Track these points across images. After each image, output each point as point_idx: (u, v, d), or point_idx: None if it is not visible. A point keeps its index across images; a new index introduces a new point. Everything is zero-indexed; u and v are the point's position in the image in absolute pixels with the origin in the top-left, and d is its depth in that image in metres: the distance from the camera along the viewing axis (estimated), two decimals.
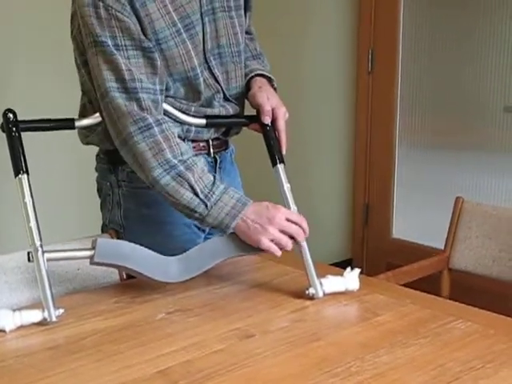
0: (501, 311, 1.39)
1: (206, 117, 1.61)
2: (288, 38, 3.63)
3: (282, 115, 1.61)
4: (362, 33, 3.36)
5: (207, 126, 1.62)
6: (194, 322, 1.36)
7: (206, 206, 1.46)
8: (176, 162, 1.45)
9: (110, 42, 1.44)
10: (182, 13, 1.51)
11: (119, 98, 1.45)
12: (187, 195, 1.45)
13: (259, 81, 1.68)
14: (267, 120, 1.60)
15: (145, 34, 1.47)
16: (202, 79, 1.57)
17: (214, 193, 1.46)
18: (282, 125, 1.61)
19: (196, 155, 1.61)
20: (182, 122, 1.58)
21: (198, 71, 1.56)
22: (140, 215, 1.64)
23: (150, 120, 1.45)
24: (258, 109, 1.61)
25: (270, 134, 1.60)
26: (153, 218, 1.64)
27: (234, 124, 1.71)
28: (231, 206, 1.46)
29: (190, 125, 1.60)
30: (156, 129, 1.45)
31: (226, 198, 1.46)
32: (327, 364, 1.17)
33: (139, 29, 1.46)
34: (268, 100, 1.60)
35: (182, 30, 1.51)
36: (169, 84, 1.54)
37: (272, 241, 1.45)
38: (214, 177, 1.50)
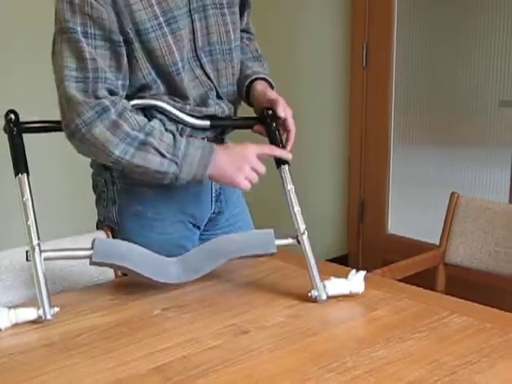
0: (496, 305, 1.39)
1: (210, 118, 1.61)
2: (281, 33, 3.62)
3: (291, 115, 1.61)
4: (356, 27, 3.36)
5: (211, 127, 1.62)
6: (190, 318, 1.36)
7: (176, 163, 1.47)
8: (136, 133, 1.46)
9: (79, 29, 1.42)
10: (165, 7, 1.51)
11: (73, 88, 1.43)
12: (155, 160, 1.46)
13: (263, 84, 1.68)
14: (283, 113, 1.59)
15: (124, 25, 1.46)
16: (184, 75, 1.56)
17: (179, 148, 1.47)
18: (292, 124, 1.61)
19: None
20: (185, 124, 1.58)
21: (180, 66, 1.54)
22: (134, 212, 1.64)
23: (107, 103, 1.44)
24: (269, 108, 1.60)
25: (275, 135, 1.59)
26: (147, 215, 1.63)
27: (238, 127, 1.71)
28: (200, 156, 1.48)
29: (194, 127, 1.60)
30: (112, 110, 1.45)
31: (191, 150, 1.48)
32: (323, 359, 1.17)
33: (113, 19, 1.44)
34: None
35: (164, 24, 1.51)
36: (152, 75, 1.53)
37: (245, 178, 1.50)
38: (173, 133, 1.50)
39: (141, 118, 1.49)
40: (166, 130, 1.52)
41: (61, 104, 1.47)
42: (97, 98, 1.44)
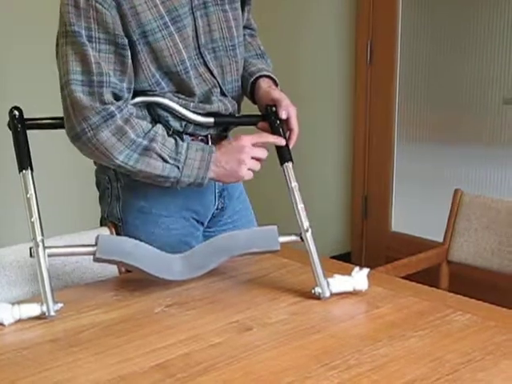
0: (500, 303, 1.38)
1: (213, 115, 1.61)
2: (286, 30, 3.62)
3: (294, 114, 1.61)
4: (361, 24, 3.35)
5: (215, 125, 1.62)
6: (193, 315, 1.36)
7: (178, 167, 1.49)
8: (140, 139, 1.48)
9: (83, 33, 1.43)
10: (170, 6, 1.51)
11: (80, 92, 1.44)
12: (158, 165, 1.48)
13: (267, 81, 1.68)
14: (285, 115, 1.59)
15: (128, 28, 1.46)
16: (192, 73, 1.56)
17: (180, 153, 1.50)
18: (295, 124, 1.61)
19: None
20: (190, 121, 1.58)
21: (188, 64, 1.55)
22: (138, 208, 1.64)
23: (112, 108, 1.46)
24: (273, 105, 1.60)
25: (279, 132, 1.59)
26: (151, 211, 1.63)
27: (243, 124, 1.70)
28: (199, 159, 1.50)
29: (199, 124, 1.60)
30: (118, 115, 1.46)
31: (191, 153, 1.50)
32: (326, 356, 1.17)
33: (118, 23, 1.45)
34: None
35: (170, 23, 1.51)
36: (156, 77, 1.54)
37: (248, 169, 1.53)
38: (174, 138, 1.52)
39: (145, 124, 1.51)
40: (169, 134, 1.54)
41: (65, 107, 1.48)
42: (102, 102, 1.45)
